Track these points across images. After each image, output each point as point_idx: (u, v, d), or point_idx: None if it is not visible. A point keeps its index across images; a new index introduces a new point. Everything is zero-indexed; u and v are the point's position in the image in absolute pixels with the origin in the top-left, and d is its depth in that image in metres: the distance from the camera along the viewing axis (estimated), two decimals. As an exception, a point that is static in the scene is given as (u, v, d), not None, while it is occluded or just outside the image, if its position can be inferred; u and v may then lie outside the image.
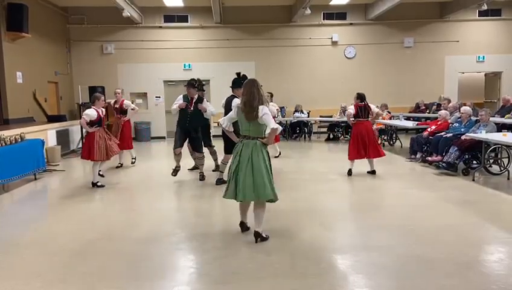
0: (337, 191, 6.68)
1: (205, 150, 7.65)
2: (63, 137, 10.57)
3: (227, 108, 6.12)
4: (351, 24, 14.98)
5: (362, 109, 7.30)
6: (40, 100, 11.78)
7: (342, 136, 12.95)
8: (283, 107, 14.09)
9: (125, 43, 14.36)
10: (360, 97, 7.35)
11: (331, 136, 13.44)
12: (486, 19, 15.01)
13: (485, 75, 15.93)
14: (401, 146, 11.08)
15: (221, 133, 6.09)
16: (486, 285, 3.21)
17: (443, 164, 7.34)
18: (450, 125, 8.43)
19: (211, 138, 8.17)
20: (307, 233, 4.58)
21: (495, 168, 7.33)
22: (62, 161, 9.66)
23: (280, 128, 4.26)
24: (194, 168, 8.26)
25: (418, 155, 8.70)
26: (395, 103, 14.13)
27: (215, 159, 8.03)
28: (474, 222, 4.85)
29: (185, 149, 7.60)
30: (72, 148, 11.33)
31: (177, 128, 7.33)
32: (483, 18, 14.92)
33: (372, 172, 7.47)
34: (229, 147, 6.20)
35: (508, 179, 6.90)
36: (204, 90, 8.11)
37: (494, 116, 9.61)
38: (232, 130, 4.47)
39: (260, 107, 4.06)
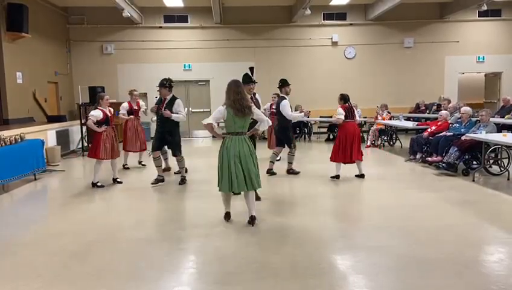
0: (337, 191, 6.68)
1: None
2: (62, 137, 10.57)
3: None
4: (351, 24, 14.99)
5: (348, 110, 7.14)
6: (40, 100, 11.78)
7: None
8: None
9: (125, 43, 14.37)
10: (344, 98, 7.20)
11: (331, 136, 13.43)
12: (486, 19, 15.02)
13: (485, 75, 15.94)
14: (401, 146, 11.08)
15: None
16: (486, 285, 3.21)
17: (443, 165, 7.33)
18: (450, 125, 8.42)
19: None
20: (306, 233, 4.58)
21: (495, 168, 7.33)
22: (62, 161, 9.66)
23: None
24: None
25: (418, 156, 8.70)
26: (395, 103, 14.14)
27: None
28: (474, 222, 4.85)
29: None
30: (72, 148, 11.33)
31: (155, 132, 7.23)
32: (483, 18, 14.94)
33: (361, 176, 7.19)
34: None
35: (508, 179, 6.90)
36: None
37: (494, 117, 9.61)
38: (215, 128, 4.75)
39: (252, 105, 4.61)
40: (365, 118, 12.98)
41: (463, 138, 7.26)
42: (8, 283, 3.44)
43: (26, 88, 11.14)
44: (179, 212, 5.55)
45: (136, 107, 8.67)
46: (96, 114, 6.75)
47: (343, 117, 6.99)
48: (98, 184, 6.85)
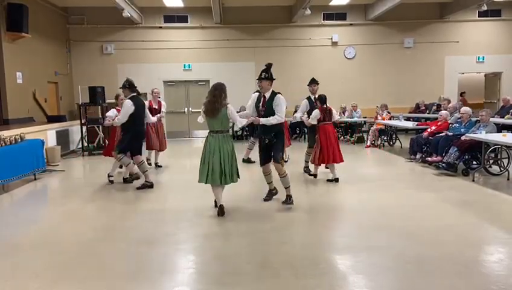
0: (336, 191, 6.67)
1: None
2: (62, 137, 10.57)
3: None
4: (351, 24, 14.99)
5: (324, 112, 7.09)
6: (40, 100, 11.78)
7: (342, 137, 12.94)
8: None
9: (125, 44, 14.37)
10: (320, 100, 7.20)
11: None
12: (486, 20, 15.02)
13: (485, 75, 15.94)
14: (401, 146, 11.08)
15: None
16: (486, 285, 3.21)
17: (443, 165, 7.33)
18: (450, 125, 8.42)
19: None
20: (306, 233, 4.58)
21: (495, 168, 7.33)
22: (62, 161, 9.65)
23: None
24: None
25: (418, 156, 8.69)
26: (394, 103, 14.14)
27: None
28: (474, 222, 4.85)
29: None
30: (72, 148, 11.33)
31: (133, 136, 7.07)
32: (483, 18, 14.94)
33: (335, 180, 6.96)
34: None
35: (508, 179, 6.90)
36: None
37: (494, 117, 9.61)
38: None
39: (228, 105, 5.07)
40: (365, 118, 12.98)
41: (463, 138, 7.26)
42: (8, 283, 3.44)
43: (26, 88, 11.13)
44: (179, 212, 5.55)
45: (156, 107, 8.55)
46: (111, 114, 7.25)
47: (315, 120, 7.04)
48: (111, 179, 7.14)
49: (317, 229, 4.72)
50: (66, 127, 11.06)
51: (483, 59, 15.23)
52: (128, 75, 14.04)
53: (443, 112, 8.90)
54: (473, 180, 6.83)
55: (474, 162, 7.46)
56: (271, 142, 5.44)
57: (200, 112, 5.36)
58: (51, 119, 11.04)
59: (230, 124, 5.55)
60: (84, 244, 4.29)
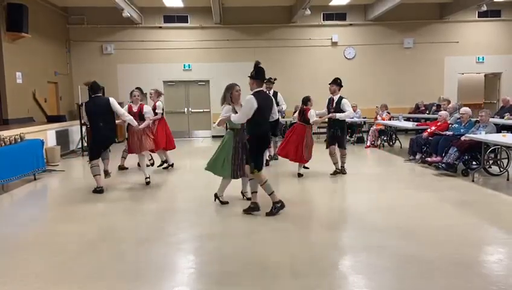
0: (336, 191, 6.69)
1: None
2: (62, 137, 10.57)
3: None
4: (350, 25, 15.00)
5: (299, 112, 7.52)
6: (40, 100, 11.79)
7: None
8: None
9: (125, 44, 14.38)
10: (303, 100, 7.52)
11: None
12: (485, 20, 15.04)
13: (485, 76, 15.95)
14: (401, 147, 11.08)
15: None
16: (485, 286, 3.21)
17: (442, 165, 7.34)
18: (450, 126, 8.43)
19: None
20: (306, 234, 4.58)
21: (494, 169, 7.33)
22: (62, 161, 9.65)
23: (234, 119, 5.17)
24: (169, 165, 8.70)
25: (418, 156, 8.70)
26: (394, 103, 14.15)
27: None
28: (473, 222, 4.85)
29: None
30: (72, 148, 11.33)
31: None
32: (482, 19, 14.96)
33: (299, 175, 7.44)
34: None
35: (508, 179, 6.90)
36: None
37: (493, 117, 9.61)
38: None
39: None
40: (365, 118, 12.98)
41: (462, 138, 7.26)
42: (8, 283, 3.44)
43: (26, 88, 11.13)
44: (178, 213, 5.55)
45: (135, 110, 8.35)
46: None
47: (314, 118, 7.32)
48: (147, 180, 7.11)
49: (317, 229, 4.73)
50: (66, 127, 11.06)
51: (483, 59, 15.24)
52: (128, 75, 14.27)
53: (442, 113, 8.90)
54: (473, 181, 6.84)
55: (474, 163, 7.46)
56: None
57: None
58: (51, 119, 11.04)
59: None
60: (84, 244, 4.29)
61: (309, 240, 4.37)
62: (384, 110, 12.09)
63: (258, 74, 5.30)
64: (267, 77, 5.76)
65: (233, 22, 14.53)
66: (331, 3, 14.06)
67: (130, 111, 7.20)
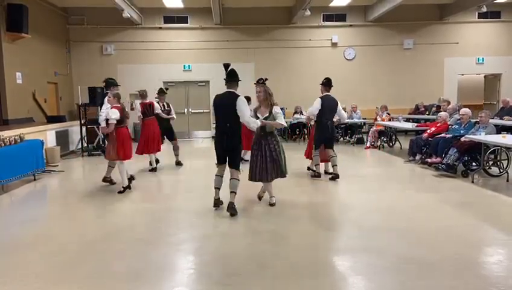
0: (336, 192, 6.68)
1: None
2: (62, 138, 10.57)
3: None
4: (350, 26, 15.01)
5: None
6: (40, 101, 11.78)
7: (342, 138, 12.94)
8: (282, 108, 14.08)
9: (125, 44, 14.38)
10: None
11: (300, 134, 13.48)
12: (485, 21, 15.05)
13: (485, 77, 15.96)
14: (401, 147, 11.08)
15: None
16: (485, 287, 3.21)
17: (442, 166, 7.34)
18: (450, 127, 8.43)
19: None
20: (306, 234, 4.58)
21: (494, 170, 7.33)
22: (61, 162, 9.65)
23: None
24: (180, 164, 9.01)
25: (418, 157, 8.70)
26: (394, 104, 14.16)
27: (178, 155, 9.08)
28: (473, 223, 4.85)
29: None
30: (72, 149, 11.33)
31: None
32: (482, 20, 14.97)
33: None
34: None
35: (507, 181, 6.90)
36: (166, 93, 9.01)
37: (493, 118, 9.61)
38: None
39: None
40: (365, 119, 12.99)
41: (462, 139, 7.26)
42: (8, 283, 3.44)
43: (25, 88, 11.13)
44: (178, 213, 5.55)
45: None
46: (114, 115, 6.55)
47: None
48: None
49: (317, 229, 4.73)
50: (66, 127, 11.06)
51: (482, 60, 15.25)
52: (128, 75, 14.27)
53: (442, 113, 8.90)
54: (473, 182, 6.84)
55: (474, 164, 7.46)
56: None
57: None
58: (51, 120, 11.03)
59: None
60: (84, 244, 4.29)
61: (309, 240, 4.37)
62: (384, 111, 12.09)
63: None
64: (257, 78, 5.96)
65: (233, 22, 14.54)
66: (331, 4, 14.07)
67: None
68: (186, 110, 15.04)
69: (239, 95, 5.19)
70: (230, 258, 3.87)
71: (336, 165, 7.20)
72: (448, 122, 8.61)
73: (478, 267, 3.61)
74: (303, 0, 12.47)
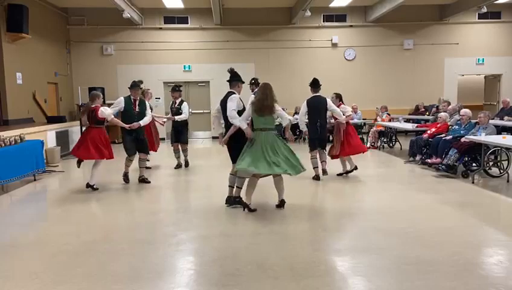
0: (336, 192, 6.68)
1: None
2: (62, 138, 10.56)
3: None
4: (350, 26, 15.01)
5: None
6: (40, 101, 11.79)
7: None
8: (283, 108, 14.07)
9: (125, 44, 14.38)
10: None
11: (331, 137, 13.41)
12: (485, 22, 15.05)
13: (485, 77, 15.96)
14: (401, 148, 11.08)
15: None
16: (485, 287, 3.21)
17: (442, 166, 7.33)
18: (450, 127, 8.42)
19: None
20: (306, 235, 4.58)
21: (494, 170, 7.33)
22: (61, 162, 9.65)
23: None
24: (178, 166, 8.69)
25: (418, 157, 8.70)
26: (394, 104, 14.17)
27: (186, 155, 8.80)
28: (473, 224, 4.85)
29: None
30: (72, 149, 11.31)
31: (125, 135, 7.03)
32: (482, 20, 14.97)
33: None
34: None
35: (508, 181, 6.90)
36: (180, 91, 8.74)
37: (493, 119, 9.60)
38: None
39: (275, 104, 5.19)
40: (365, 119, 12.99)
41: (462, 139, 7.26)
42: (7, 283, 3.43)
43: (26, 89, 11.13)
44: (178, 213, 5.55)
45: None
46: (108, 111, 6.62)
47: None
48: (94, 187, 6.75)
49: (317, 230, 4.72)
50: (66, 128, 11.06)
51: (483, 61, 15.25)
52: (128, 76, 14.25)
53: (442, 114, 8.90)
54: (473, 182, 6.83)
55: (474, 164, 7.46)
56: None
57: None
58: (51, 120, 11.03)
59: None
60: (84, 244, 4.28)
61: (308, 241, 4.37)
62: (384, 112, 12.09)
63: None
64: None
65: (233, 23, 14.54)
66: (331, 5, 14.07)
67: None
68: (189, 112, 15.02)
69: (232, 94, 5.48)
70: (230, 258, 3.87)
71: (319, 166, 7.30)
72: (449, 123, 8.61)
73: (478, 267, 3.61)
74: (303, 1, 12.48)
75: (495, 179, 7.13)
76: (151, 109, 7.73)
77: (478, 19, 14.93)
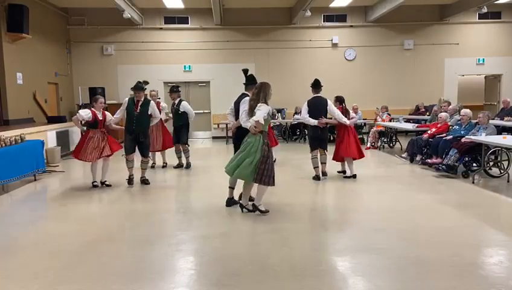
0: (336, 192, 6.68)
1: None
2: (62, 138, 10.56)
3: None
4: (351, 26, 15.01)
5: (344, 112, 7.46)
6: (40, 101, 11.79)
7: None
8: (283, 108, 14.10)
9: (126, 44, 14.39)
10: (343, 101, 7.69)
11: (331, 138, 13.42)
12: (486, 22, 15.05)
13: (485, 77, 15.95)
14: (401, 148, 11.07)
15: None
16: (485, 287, 3.21)
17: (443, 166, 7.33)
18: (450, 127, 8.42)
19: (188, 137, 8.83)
20: (306, 235, 4.58)
21: (495, 170, 7.32)
22: (62, 162, 9.65)
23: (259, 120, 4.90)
24: (178, 166, 8.67)
25: (418, 158, 8.70)
26: (395, 104, 14.16)
27: (188, 157, 8.71)
28: (473, 224, 4.84)
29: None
30: (72, 149, 11.29)
31: (125, 134, 7.00)
32: (483, 20, 14.96)
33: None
34: None
35: (508, 181, 6.90)
36: (179, 91, 8.65)
37: (493, 119, 9.60)
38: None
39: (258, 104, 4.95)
40: (365, 119, 12.98)
41: (463, 140, 7.26)
42: (7, 283, 3.43)
43: (26, 89, 11.14)
44: (178, 214, 5.55)
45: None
46: (84, 114, 6.70)
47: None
48: (94, 183, 6.96)
49: (317, 230, 4.72)
50: (66, 128, 11.05)
51: (483, 61, 15.25)
52: (128, 76, 14.28)
53: (442, 114, 8.90)
54: (473, 182, 6.83)
55: (474, 164, 7.46)
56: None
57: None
58: (51, 120, 11.03)
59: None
60: (84, 245, 4.28)
61: (309, 241, 4.37)
62: (384, 112, 12.08)
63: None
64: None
65: (233, 23, 14.54)
66: (331, 5, 14.07)
67: (95, 118, 6.77)
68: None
69: (246, 96, 5.58)
70: (230, 258, 3.87)
71: (320, 166, 7.30)
72: (449, 123, 8.61)
73: (478, 268, 3.60)
74: (303, 1, 12.48)
75: (495, 179, 7.12)
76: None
77: (478, 19, 14.92)
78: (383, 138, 11.58)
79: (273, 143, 8.20)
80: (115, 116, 7.06)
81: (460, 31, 15.14)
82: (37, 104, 11.69)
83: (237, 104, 5.69)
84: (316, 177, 7.27)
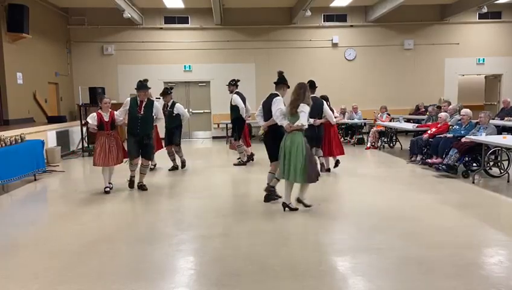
0: (336, 192, 6.68)
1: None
2: (63, 138, 10.57)
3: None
4: (351, 26, 15.00)
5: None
6: (40, 101, 11.79)
7: (343, 138, 12.92)
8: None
9: (126, 44, 14.38)
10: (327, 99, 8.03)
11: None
12: (486, 22, 15.04)
13: (485, 77, 15.95)
14: (401, 148, 11.08)
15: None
16: (485, 287, 3.21)
17: (443, 166, 7.33)
18: (450, 127, 8.42)
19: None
20: (306, 235, 4.58)
21: (495, 170, 7.32)
22: (62, 162, 9.66)
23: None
24: (173, 168, 8.60)
25: (418, 157, 8.70)
26: (395, 104, 14.16)
27: (181, 156, 8.77)
28: (473, 224, 4.84)
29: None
30: (72, 149, 11.33)
31: (128, 136, 6.70)
32: (483, 20, 14.96)
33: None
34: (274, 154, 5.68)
35: (508, 181, 6.90)
36: (171, 93, 8.65)
37: (494, 119, 9.59)
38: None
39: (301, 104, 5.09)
40: (365, 119, 12.97)
41: (463, 139, 7.26)
42: (7, 283, 3.44)
43: (26, 89, 11.14)
44: (179, 214, 5.55)
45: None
46: (91, 120, 6.48)
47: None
48: (106, 189, 6.59)
49: (317, 230, 4.72)
50: (66, 127, 11.07)
51: (483, 61, 15.24)
52: (128, 76, 14.28)
53: (442, 114, 8.89)
54: (473, 182, 6.83)
55: (474, 164, 7.45)
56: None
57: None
58: (51, 120, 11.04)
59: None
60: (84, 245, 4.28)
61: (309, 241, 4.37)
62: (383, 112, 12.07)
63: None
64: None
65: (233, 23, 14.54)
66: (331, 5, 14.07)
67: (100, 120, 6.44)
68: (186, 110, 15.00)
69: (276, 95, 5.64)
70: (230, 258, 3.87)
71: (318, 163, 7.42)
72: (449, 123, 8.61)
73: (478, 267, 3.60)
74: (303, 1, 12.48)
75: (495, 179, 7.12)
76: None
77: (478, 19, 14.91)
78: (383, 138, 11.57)
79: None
80: (116, 118, 6.59)
81: (460, 31, 15.13)
82: (37, 104, 11.69)
83: (266, 104, 5.70)
84: (325, 170, 7.71)
